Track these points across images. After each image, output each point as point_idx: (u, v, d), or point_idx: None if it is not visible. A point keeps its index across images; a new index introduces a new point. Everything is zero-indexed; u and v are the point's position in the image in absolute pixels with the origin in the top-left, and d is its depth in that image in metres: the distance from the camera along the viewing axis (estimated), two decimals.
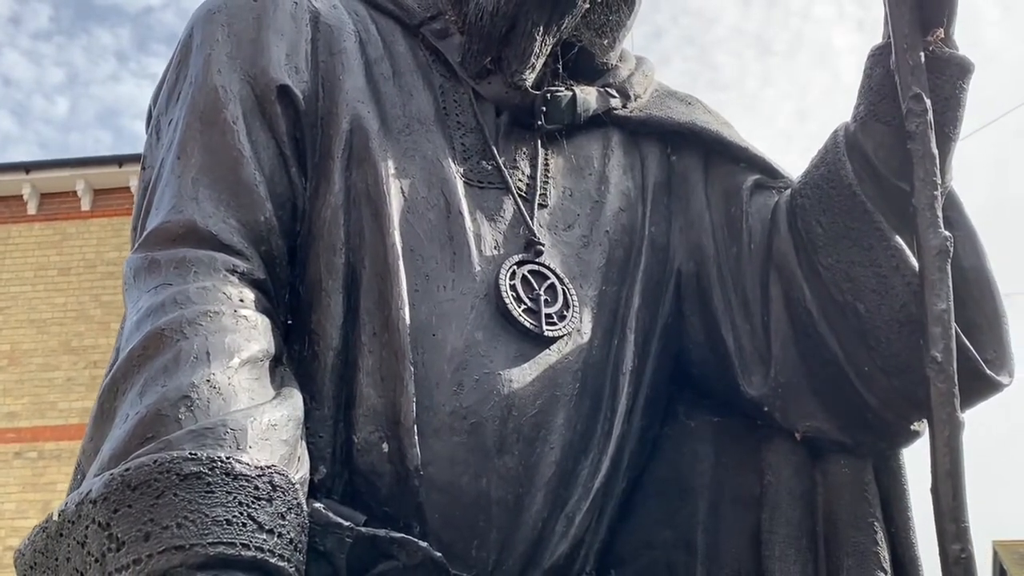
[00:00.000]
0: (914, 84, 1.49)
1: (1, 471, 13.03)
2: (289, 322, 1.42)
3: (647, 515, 1.62)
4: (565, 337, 1.49)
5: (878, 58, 1.56)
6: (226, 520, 1.05)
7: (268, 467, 1.10)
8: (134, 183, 14.26)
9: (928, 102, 1.48)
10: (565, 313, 1.50)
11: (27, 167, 14.62)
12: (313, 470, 1.28)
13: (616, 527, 1.57)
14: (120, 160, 14.45)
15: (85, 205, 14.38)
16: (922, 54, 1.51)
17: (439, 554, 1.31)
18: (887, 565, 1.49)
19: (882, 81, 1.54)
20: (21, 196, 14.45)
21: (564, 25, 1.63)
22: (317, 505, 1.26)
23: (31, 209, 14.44)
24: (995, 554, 20.61)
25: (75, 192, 14.38)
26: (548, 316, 1.48)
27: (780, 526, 1.52)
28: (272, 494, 1.09)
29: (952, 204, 1.56)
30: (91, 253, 14.12)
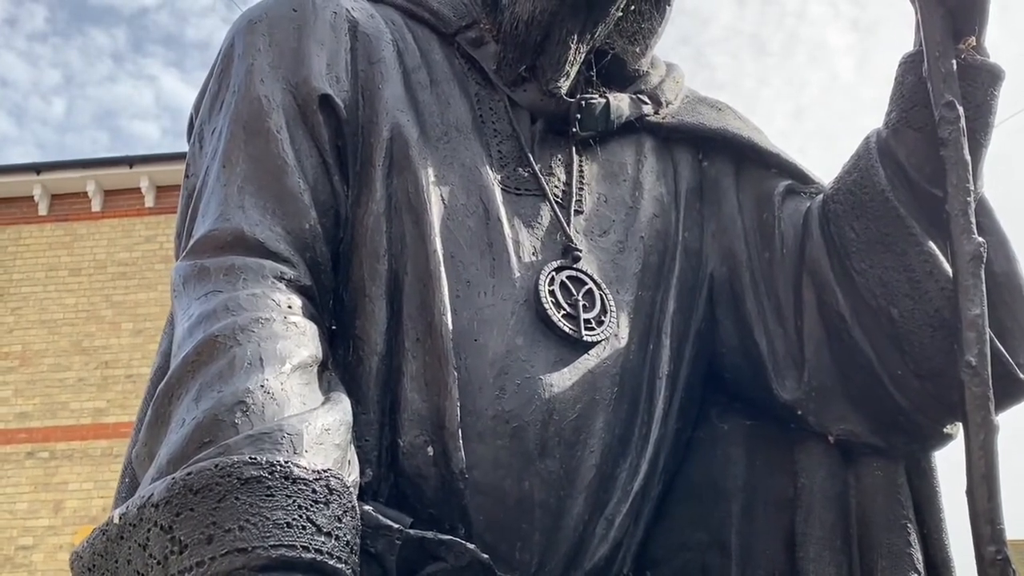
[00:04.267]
0: (947, 91, 1.51)
1: (13, 471, 13.09)
2: (333, 327, 1.44)
3: (681, 517, 1.64)
4: (603, 342, 1.51)
5: (910, 65, 1.58)
6: (286, 523, 1.07)
7: (324, 471, 1.12)
8: (144, 184, 14.32)
9: (960, 109, 1.50)
10: (603, 318, 1.52)
11: (37, 168, 14.69)
12: (360, 473, 1.30)
13: (651, 529, 1.59)
14: (130, 161, 14.51)
15: (96, 206, 14.44)
16: (954, 62, 1.53)
17: (486, 556, 1.33)
18: (920, 566, 1.51)
19: (914, 88, 1.56)
20: (32, 197, 14.52)
21: (597, 33, 1.65)
22: (367, 507, 1.27)
23: (42, 210, 14.50)
24: None
25: (86, 193, 14.44)
26: (587, 321, 1.50)
27: (814, 528, 1.54)
28: (329, 497, 1.11)
29: (983, 210, 1.58)
30: (102, 254, 14.17)
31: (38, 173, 14.57)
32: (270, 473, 1.08)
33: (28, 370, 13.60)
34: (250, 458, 1.09)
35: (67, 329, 13.75)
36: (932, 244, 1.51)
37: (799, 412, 1.58)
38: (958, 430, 1.53)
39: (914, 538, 1.52)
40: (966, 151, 1.49)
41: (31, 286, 14.05)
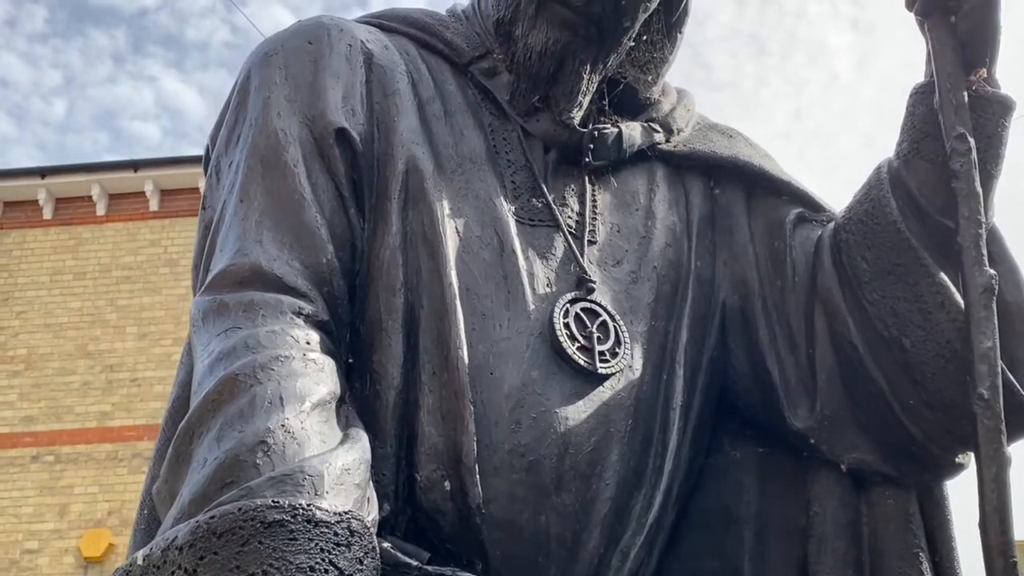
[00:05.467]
0: (958, 123, 1.52)
1: (18, 475, 13.12)
2: (350, 361, 1.45)
3: (693, 545, 1.64)
4: (617, 374, 1.52)
5: (921, 96, 1.59)
6: (309, 567, 1.08)
7: (346, 513, 1.13)
8: (149, 188, 14.36)
9: (972, 141, 1.51)
10: (617, 350, 1.53)
11: (42, 172, 14.73)
12: (378, 508, 1.31)
13: (664, 558, 1.60)
14: (135, 165, 14.54)
15: (100, 210, 14.47)
16: (965, 93, 1.54)
17: None
18: None
19: (925, 119, 1.57)
20: (36, 201, 14.55)
21: (610, 63, 1.66)
22: (385, 545, 1.28)
23: (46, 214, 14.54)
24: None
25: (90, 197, 14.48)
26: (601, 353, 1.51)
27: (827, 556, 1.55)
28: (350, 539, 1.12)
29: (994, 239, 1.58)
30: (106, 257, 14.20)
31: (42, 177, 14.61)
32: (293, 517, 1.09)
33: (33, 374, 13.63)
34: (273, 501, 1.10)
35: (72, 333, 13.78)
36: (944, 275, 1.52)
37: (811, 440, 1.59)
38: (970, 460, 1.53)
39: (926, 567, 1.53)
40: (977, 183, 1.50)
41: (36, 290, 14.08)
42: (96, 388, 13.48)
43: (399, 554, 1.30)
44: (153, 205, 14.43)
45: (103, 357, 13.63)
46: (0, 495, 13.00)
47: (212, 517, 1.09)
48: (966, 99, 1.54)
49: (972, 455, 1.50)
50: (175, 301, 13.67)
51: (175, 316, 13.56)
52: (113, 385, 13.48)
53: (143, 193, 14.43)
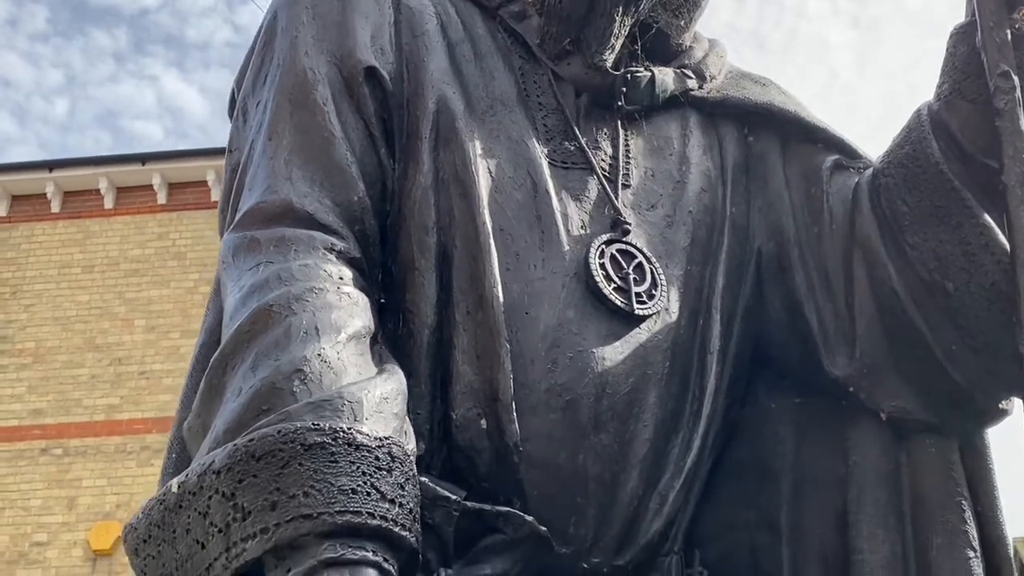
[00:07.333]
0: (1001, 61, 1.49)
1: (27, 468, 13.12)
2: (383, 301, 1.43)
3: (728, 496, 1.62)
4: (654, 316, 1.50)
5: (962, 36, 1.55)
6: (351, 489, 1.06)
7: (386, 438, 1.11)
8: (156, 181, 14.35)
9: (1016, 79, 1.48)
10: (654, 292, 1.51)
11: (50, 165, 14.73)
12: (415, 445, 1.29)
13: (699, 508, 1.57)
14: (143, 158, 14.53)
15: (108, 203, 14.46)
16: (1008, 31, 1.51)
17: (544, 528, 1.31)
18: (976, 544, 1.48)
19: (967, 59, 1.53)
20: (44, 194, 14.54)
21: (642, 6, 1.63)
22: (423, 479, 1.26)
23: (55, 207, 14.53)
24: (1015, 552, 20.50)
25: (98, 190, 14.47)
26: (638, 295, 1.49)
27: (867, 506, 1.52)
28: (391, 464, 1.10)
29: None
30: (114, 251, 14.19)
31: (50, 170, 14.61)
32: (333, 439, 1.07)
33: (42, 367, 13.63)
34: (313, 424, 1.07)
35: (80, 326, 13.77)
36: (987, 216, 1.49)
37: (851, 389, 1.55)
38: (1014, 405, 1.51)
39: (969, 515, 1.50)
40: (1022, 121, 1.47)
41: (44, 283, 14.08)
42: (104, 381, 13.47)
43: (438, 488, 1.27)
44: (161, 198, 14.42)
45: (111, 350, 13.62)
46: (9, 488, 13.01)
47: (251, 440, 1.07)
48: (1009, 37, 1.51)
49: (1016, 401, 1.47)
50: (183, 294, 13.67)
51: (183, 309, 13.56)
52: (121, 378, 13.48)
53: (151, 186, 14.41)
